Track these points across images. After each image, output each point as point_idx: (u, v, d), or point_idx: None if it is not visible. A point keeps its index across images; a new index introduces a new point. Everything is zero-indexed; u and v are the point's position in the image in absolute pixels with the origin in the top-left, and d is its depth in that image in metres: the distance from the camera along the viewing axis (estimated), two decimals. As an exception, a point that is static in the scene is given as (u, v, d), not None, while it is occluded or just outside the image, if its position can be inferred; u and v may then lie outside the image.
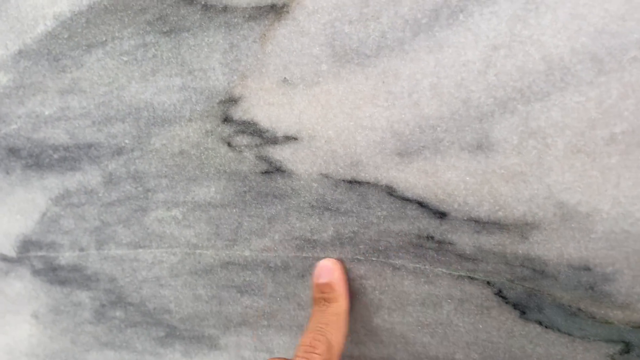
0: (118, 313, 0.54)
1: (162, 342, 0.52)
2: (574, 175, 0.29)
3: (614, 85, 0.27)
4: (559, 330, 0.33)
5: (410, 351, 0.37)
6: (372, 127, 0.33)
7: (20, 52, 0.47)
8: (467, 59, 0.29)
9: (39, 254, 0.57)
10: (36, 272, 0.59)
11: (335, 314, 0.36)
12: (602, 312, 0.32)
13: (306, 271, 0.40)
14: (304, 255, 0.40)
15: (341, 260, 0.38)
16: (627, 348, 0.32)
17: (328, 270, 0.38)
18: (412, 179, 0.33)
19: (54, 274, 0.57)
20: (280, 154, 0.37)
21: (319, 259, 0.39)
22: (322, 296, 0.37)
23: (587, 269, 0.31)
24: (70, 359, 0.61)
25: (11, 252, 0.60)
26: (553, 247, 0.31)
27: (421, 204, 0.33)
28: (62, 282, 0.57)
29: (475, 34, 0.29)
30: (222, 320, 0.47)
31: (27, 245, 0.58)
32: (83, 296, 0.56)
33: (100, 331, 0.57)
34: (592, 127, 0.28)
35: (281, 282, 0.42)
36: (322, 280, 0.37)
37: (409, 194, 0.34)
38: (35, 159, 0.51)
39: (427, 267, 0.35)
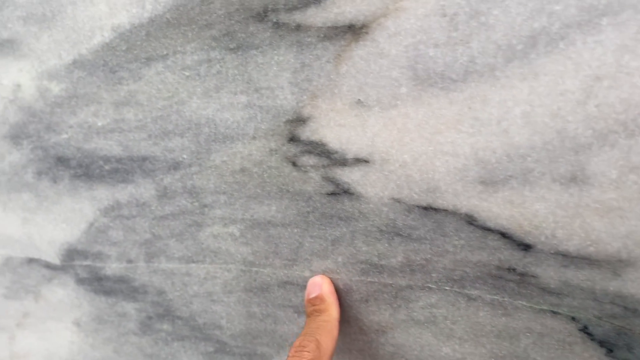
0: (165, 326, 0.53)
1: (210, 357, 0.51)
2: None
3: None
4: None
5: None
6: (453, 153, 0.32)
7: (74, 62, 0.46)
8: (565, 88, 0.28)
9: (84, 263, 0.57)
10: (80, 281, 0.58)
11: (325, 321, 0.37)
12: None
13: (370, 296, 0.39)
14: (369, 279, 0.39)
15: (327, 276, 0.40)
16: None
17: (317, 285, 0.40)
18: (495, 208, 0.32)
19: (99, 284, 0.56)
20: (349, 176, 0.36)
21: (385, 284, 0.38)
22: (313, 309, 0.39)
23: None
24: None
25: (55, 260, 0.59)
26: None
27: (504, 235, 0.32)
28: (107, 293, 0.56)
29: (576, 63, 0.27)
30: (276, 339, 0.46)
31: (72, 254, 0.57)
32: (129, 307, 0.55)
33: (145, 343, 0.56)
34: None
35: (342, 305, 0.41)
36: (313, 295, 0.40)
37: (491, 224, 0.32)
38: (84, 169, 0.50)
39: (506, 299, 0.34)
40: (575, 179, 0.29)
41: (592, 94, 0.27)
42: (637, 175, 0.28)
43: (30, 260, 0.62)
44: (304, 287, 0.42)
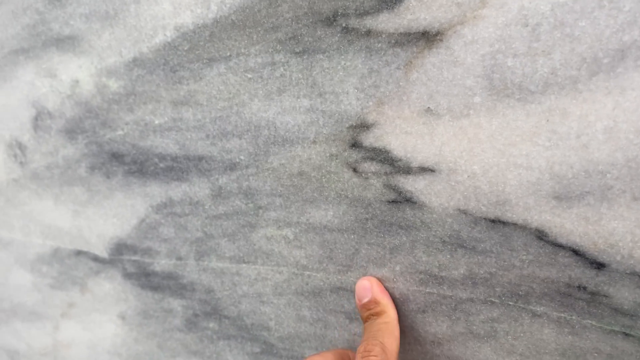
0: (212, 324, 0.54)
1: (256, 358, 0.52)
2: None
3: None
4: None
5: None
6: (527, 167, 0.31)
7: (134, 60, 0.47)
8: (654, 104, 0.27)
9: (133, 258, 0.58)
10: (127, 275, 0.60)
11: (385, 322, 0.38)
12: None
13: (428, 307, 0.39)
14: (427, 290, 0.38)
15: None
16: None
17: (367, 289, 0.40)
18: (568, 224, 0.31)
19: (147, 279, 0.57)
20: (413, 184, 0.36)
21: (445, 296, 0.38)
22: (369, 313, 0.39)
23: None
24: None
25: (103, 253, 0.61)
26: None
27: (576, 252, 0.31)
28: (155, 288, 0.57)
29: (669, 79, 0.26)
30: (325, 344, 0.46)
31: (120, 248, 0.58)
32: (175, 304, 0.56)
33: (190, 340, 0.57)
34: None
35: (397, 314, 0.40)
36: (366, 299, 0.39)
37: (562, 240, 0.32)
38: (139, 165, 0.51)
39: (574, 317, 0.33)
40: None
41: (683, 112, 0.27)
42: None
43: (79, 253, 0.63)
44: None
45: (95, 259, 0.62)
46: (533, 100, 0.30)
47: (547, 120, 0.30)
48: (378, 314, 0.38)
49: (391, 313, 0.38)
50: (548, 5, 0.29)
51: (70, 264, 0.66)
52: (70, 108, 0.55)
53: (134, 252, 0.57)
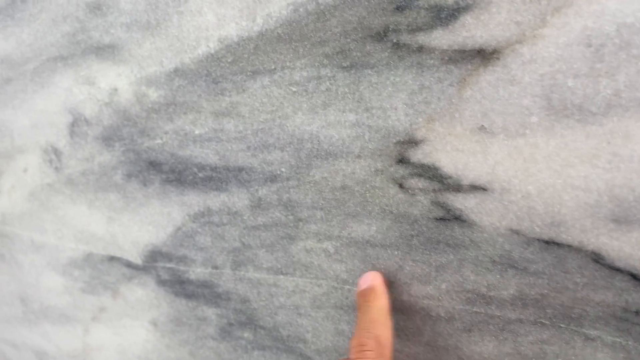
0: (246, 334, 0.54)
1: None
2: None
3: None
4: None
5: None
6: (585, 188, 0.31)
7: (176, 70, 0.48)
8: None
9: (168, 265, 0.58)
10: (161, 282, 0.60)
11: (378, 310, 0.38)
12: None
13: (474, 326, 0.38)
14: (474, 309, 0.38)
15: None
16: None
17: (369, 278, 0.41)
18: (627, 248, 0.30)
19: (181, 287, 0.58)
20: (463, 202, 0.36)
21: (493, 316, 0.37)
22: (364, 299, 0.39)
23: None
24: None
25: (137, 260, 0.61)
26: None
27: (634, 277, 0.31)
28: (189, 296, 0.58)
29: None
30: None
31: (155, 255, 0.59)
32: (209, 312, 0.56)
33: (224, 348, 0.57)
34: None
35: (442, 332, 0.40)
36: (364, 286, 0.40)
37: (620, 264, 0.31)
38: (177, 174, 0.52)
39: (630, 342, 0.32)
40: None
41: None
42: None
43: (112, 258, 0.64)
44: (400, 310, 0.42)
45: (129, 265, 0.63)
46: (594, 121, 0.30)
47: (608, 143, 0.30)
48: (372, 301, 0.39)
49: (385, 302, 0.39)
50: (613, 26, 0.28)
51: (103, 269, 0.67)
52: (108, 116, 0.55)
53: (169, 260, 0.57)
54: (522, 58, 0.31)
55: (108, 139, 0.57)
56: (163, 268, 0.59)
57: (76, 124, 0.60)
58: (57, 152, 0.65)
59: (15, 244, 0.80)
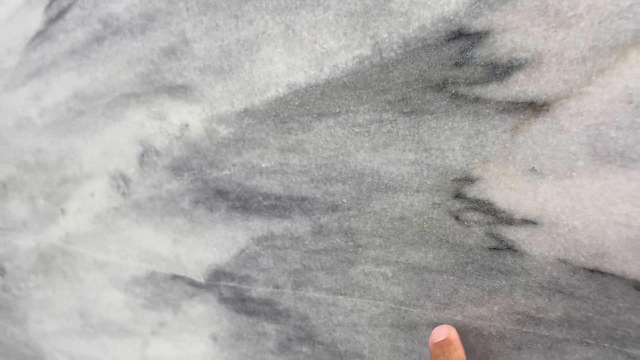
0: (305, 349, 0.59)
1: None
2: None
3: None
4: None
5: None
6: (627, 224, 0.36)
7: (246, 110, 0.54)
8: None
9: (230, 284, 0.64)
10: (223, 300, 0.66)
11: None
12: None
13: (524, 344, 0.43)
14: (524, 329, 0.43)
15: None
16: None
17: (444, 330, 0.45)
18: None
19: (242, 304, 0.64)
20: (515, 234, 0.41)
21: (541, 335, 0.42)
22: (442, 350, 0.44)
23: None
24: None
25: (200, 279, 0.68)
26: None
27: None
28: (250, 313, 0.64)
29: None
30: None
31: (218, 274, 0.65)
32: (269, 328, 0.62)
33: None
34: None
35: (493, 350, 0.45)
36: (440, 338, 0.44)
37: None
38: (243, 202, 0.58)
39: None
40: None
41: None
42: None
43: (175, 277, 0.71)
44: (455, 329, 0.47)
45: (192, 283, 0.69)
46: (635, 167, 0.35)
47: None
48: (449, 352, 0.43)
49: (462, 353, 0.43)
50: None
51: (165, 287, 0.73)
52: (178, 148, 0.62)
53: (232, 279, 0.64)
54: (570, 111, 0.36)
55: (177, 168, 0.64)
56: (225, 287, 0.65)
57: (146, 154, 0.67)
58: (125, 179, 0.72)
59: (77, 262, 0.87)
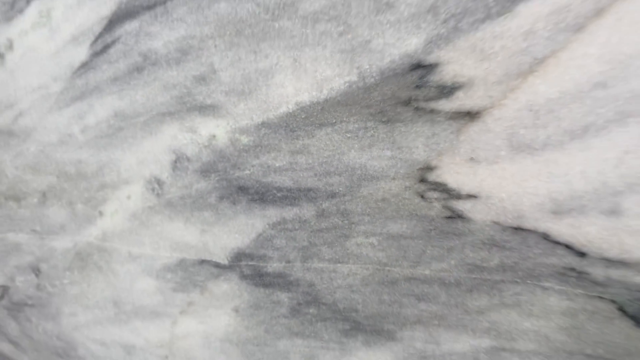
0: (312, 310, 0.78)
1: (346, 333, 0.75)
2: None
3: None
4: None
5: (551, 346, 0.58)
6: (535, 194, 0.55)
7: (263, 123, 0.73)
8: None
9: (250, 263, 0.82)
10: (243, 277, 0.84)
11: None
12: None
13: (474, 288, 0.62)
14: (473, 276, 0.62)
15: None
16: None
17: None
18: (564, 229, 0.54)
19: (260, 279, 0.82)
20: (463, 206, 0.60)
21: (485, 279, 0.61)
22: None
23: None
24: (262, 345, 0.86)
25: (224, 261, 0.86)
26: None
27: (568, 247, 0.55)
28: (266, 285, 0.82)
29: None
30: (400, 319, 0.70)
31: (239, 256, 0.83)
32: (283, 296, 0.80)
33: (293, 323, 0.81)
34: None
35: (453, 294, 0.64)
36: None
37: (560, 239, 0.55)
38: (260, 195, 0.76)
39: (569, 288, 0.56)
40: (614, 212, 0.52)
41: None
42: (652, 211, 0.50)
43: (202, 262, 0.88)
44: (424, 281, 0.66)
45: (217, 265, 0.87)
46: (538, 154, 0.54)
47: (547, 166, 0.54)
48: None
49: None
50: (545, 98, 0.53)
51: (193, 271, 0.91)
52: (206, 154, 0.81)
53: (251, 259, 0.82)
54: (494, 117, 0.56)
55: (205, 171, 0.82)
56: (246, 265, 0.83)
57: (178, 161, 0.86)
58: (159, 182, 0.90)
59: (112, 256, 1.05)
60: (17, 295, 1.27)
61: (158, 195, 0.88)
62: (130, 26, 0.83)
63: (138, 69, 0.84)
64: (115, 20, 0.86)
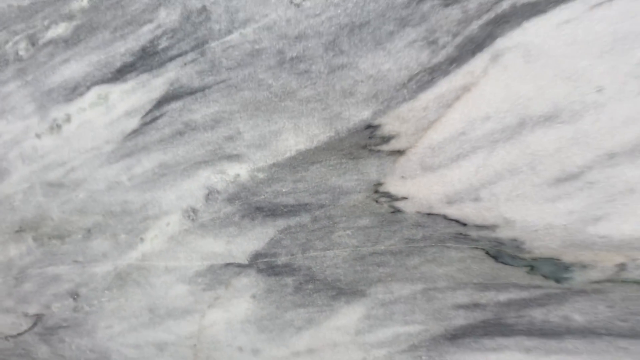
0: (310, 286, 1.23)
1: (333, 298, 1.21)
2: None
3: None
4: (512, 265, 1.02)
5: (455, 282, 1.07)
6: (437, 193, 1.05)
7: (274, 164, 1.21)
8: None
9: (264, 260, 1.28)
10: (260, 271, 1.29)
11: None
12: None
13: (413, 252, 1.11)
14: (408, 246, 1.11)
15: None
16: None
17: None
18: (454, 212, 1.05)
19: (272, 270, 1.27)
20: (399, 204, 1.09)
21: (416, 247, 1.10)
22: None
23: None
24: (273, 318, 1.30)
25: (244, 262, 1.30)
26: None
27: (457, 221, 1.05)
28: (276, 274, 1.27)
29: None
30: (368, 281, 1.16)
31: (257, 256, 1.28)
32: (288, 280, 1.25)
33: (297, 298, 1.26)
34: None
35: (398, 259, 1.12)
36: None
37: (452, 217, 1.05)
38: (272, 212, 1.23)
39: (460, 245, 1.05)
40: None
41: (478, 172, 1.02)
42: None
43: (227, 264, 1.32)
44: (380, 253, 1.14)
45: (239, 265, 1.31)
46: (440, 170, 1.05)
47: (440, 179, 1.05)
48: None
49: None
50: (457, 127, 1.04)
51: (220, 272, 1.34)
52: (232, 187, 1.27)
53: (265, 257, 1.27)
54: (412, 152, 1.06)
55: (231, 199, 1.28)
56: (261, 262, 1.28)
57: (210, 194, 1.31)
58: (194, 210, 1.35)
59: (150, 272, 1.45)
60: (51, 321, 1.47)
61: (193, 220, 1.32)
62: (176, 105, 1.30)
63: (180, 133, 1.30)
64: (163, 101, 1.32)
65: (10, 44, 1.44)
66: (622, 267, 0.87)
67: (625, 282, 0.87)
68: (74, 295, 1.49)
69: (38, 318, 1.52)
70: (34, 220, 1.42)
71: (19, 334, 1.46)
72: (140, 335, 1.43)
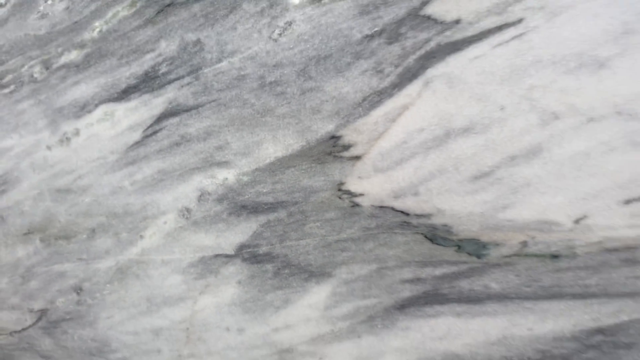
0: (287, 271, 1.50)
1: (306, 279, 1.48)
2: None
3: None
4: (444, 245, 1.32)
5: (402, 260, 1.37)
6: (386, 190, 1.35)
7: (256, 169, 1.50)
8: None
9: (248, 250, 1.55)
10: (244, 260, 1.56)
11: None
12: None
13: (369, 238, 1.41)
14: (365, 233, 1.40)
15: None
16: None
17: None
18: (400, 204, 1.35)
19: (255, 259, 1.55)
20: (358, 200, 1.39)
21: (372, 234, 1.40)
22: None
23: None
24: (255, 300, 1.56)
25: (231, 252, 1.57)
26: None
27: (402, 212, 1.35)
28: (259, 262, 1.55)
29: None
30: (333, 264, 1.45)
31: (242, 247, 1.56)
32: (269, 266, 1.53)
33: (275, 282, 1.53)
34: None
35: (357, 244, 1.41)
36: None
37: (398, 209, 1.35)
38: (254, 209, 1.51)
39: (405, 231, 1.35)
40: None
41: (417, 172, 1.33)
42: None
43: (216, 255, 1.59)
44: (344, 240, 1.43)
45: (226, 255, 1.59)
46: (384, 172, 1.35)
47: (388, 178, 1.35)
48: None
49: None
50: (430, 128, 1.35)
51: (210, 262, 1.61)
52: (221, 189, 1.55)
53: (249, 247, 1.55)
54: (367, 157, 1.36)
55: (220, 199, 1.56)
56: (245, 252, 1.55)
57: (202, 195, 1.59)
58: (188, 210, 1.62)
59: (149, 265, 1.71)
60: (55, 315, 1.52)
61: (187, 218, 1.59)
62: (174, 120, 1.57)
63: (177, 144, 1.58)
64: (162, 117, 1.60)
65: (25, 67, 1.69)
66: (524, 244, 1.16)
67: (527, 255, 1.17)
68: (78, 289, 1.64)
69: (42, 313, 1.61)
70: (42, 223, 1.61)
71: (24, 329, 1.52)
72: (138, 322, 1.61)
